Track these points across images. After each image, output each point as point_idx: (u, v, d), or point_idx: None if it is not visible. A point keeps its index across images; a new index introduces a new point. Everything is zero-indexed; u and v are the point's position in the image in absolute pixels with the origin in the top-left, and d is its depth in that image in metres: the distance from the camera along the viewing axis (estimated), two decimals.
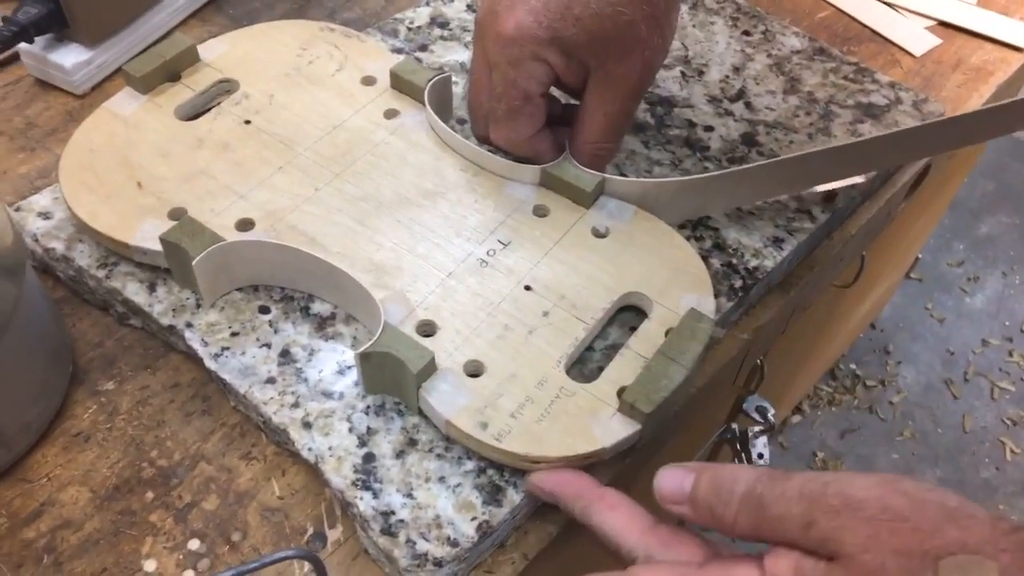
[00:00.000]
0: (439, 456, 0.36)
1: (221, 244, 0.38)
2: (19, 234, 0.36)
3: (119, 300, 0.41)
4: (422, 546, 0.33)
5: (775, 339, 0.57)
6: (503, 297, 0.39)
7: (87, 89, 0.53)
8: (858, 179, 0.48)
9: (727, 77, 0.54)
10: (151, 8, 0.55)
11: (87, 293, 0.42)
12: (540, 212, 0.43)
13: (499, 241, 0.41)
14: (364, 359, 0.36)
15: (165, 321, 0.40)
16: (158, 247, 0.39)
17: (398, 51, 0.53)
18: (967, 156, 1.04)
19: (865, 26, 0.63)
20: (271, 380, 0.38)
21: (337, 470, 0.35)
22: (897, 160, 0.50)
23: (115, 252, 0.41)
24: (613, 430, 0.35)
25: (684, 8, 0.59)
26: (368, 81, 0.48)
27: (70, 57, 0.52)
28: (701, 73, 0.54)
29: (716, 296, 0.41)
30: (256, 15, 0.59)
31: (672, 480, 0.32)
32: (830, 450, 1.34)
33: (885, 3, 0.65)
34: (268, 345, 0.39)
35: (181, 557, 0.35)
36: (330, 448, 0.36)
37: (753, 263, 0.44)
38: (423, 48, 0.54)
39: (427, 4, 0.57)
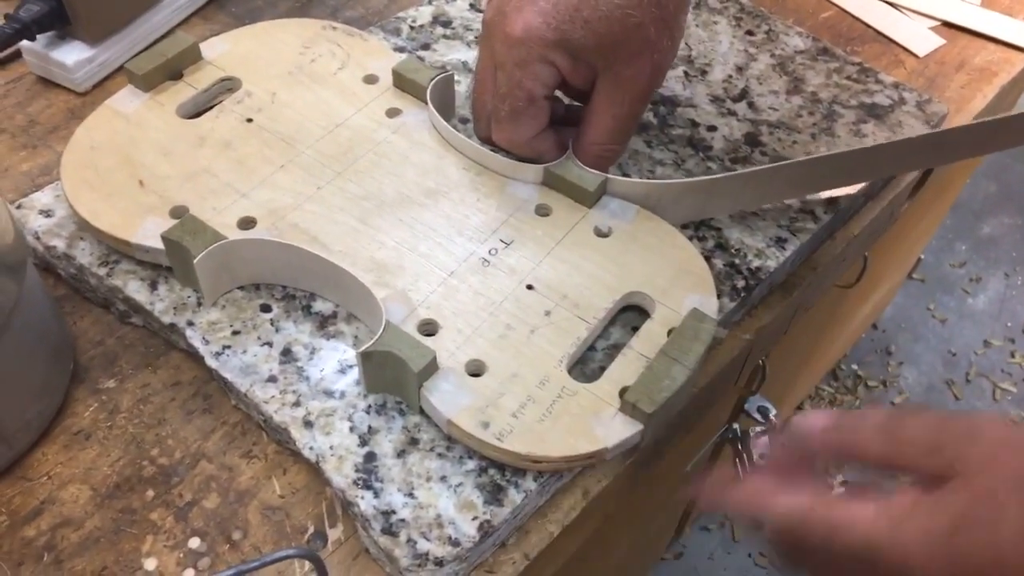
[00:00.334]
0: (440, 455, 0.36)
1: (223, 242, 0.38)
2: (20, 232, 0.36)
3: (120, 298, 0.41)
4: (423, 545, 0.33)
5: (777, 339, 0.57)
6: (505, 296, 0.39)
7: (89, 87, 0.53)
8: (860, 186, 0.48)
9: (730, 77, 0.54)
10: (153, 6, 0.55)
11: (88, 291, 0.42)
12: (542, 211, 0.43)
13: (501, 240, 0.41)
14: (365, 358, 0.36)
15: (166, 319, 0.39)
16: (160, 245, 0.39)
17: (400, 50, 0.53)
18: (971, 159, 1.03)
19: (868, 26, 0.63)
20: (272, 379, 0.38)
21: (338, 469, 0.35)
22: (904, 167, 0.50)
23: (116, 250, 0.41)
24: (615, 430, 0.35)
25: None
26: (370, 80, 0.48)
27: (72, 55, 0.52)
28: (704, 73, 0.54)
29: (718, 296, 0.41)
30: (258, 13, 0.59)
31: (808, 421, 0.32)
32: None
33: (889, 3, 0.65)
34: (269, 344, 0.39)
35: (182, 555, 0.35)
36: (331, 447, 0.36)
37: (756, 263, 0.44)
38: (425, 47, 0.54)
39: (430, 3, 0.57)
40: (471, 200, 0.43)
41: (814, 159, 0.42)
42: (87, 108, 0.51)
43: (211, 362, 0.38)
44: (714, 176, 0.42)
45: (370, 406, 0.37)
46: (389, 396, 0.38)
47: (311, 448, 0.36)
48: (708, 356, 0.42)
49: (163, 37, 0.56)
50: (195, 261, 0.38)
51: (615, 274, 0.40)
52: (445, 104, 0.48)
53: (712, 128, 0.51)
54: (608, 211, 0.43)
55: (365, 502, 0.34)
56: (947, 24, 0.64)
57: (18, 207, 0.43)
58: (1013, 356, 1.45)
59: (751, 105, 0.52)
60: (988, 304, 1.53)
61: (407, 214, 0.42)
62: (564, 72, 0.40)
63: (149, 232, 0.40)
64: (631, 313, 0.41)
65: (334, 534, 0.36)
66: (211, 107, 0.46)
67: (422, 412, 0.37)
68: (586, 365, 0.39)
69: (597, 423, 0.35)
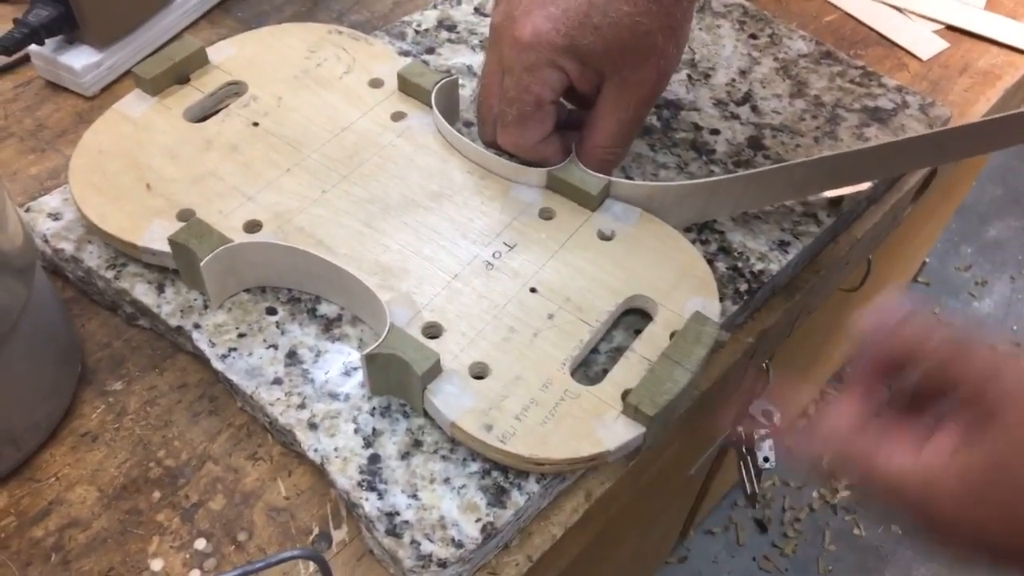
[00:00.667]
0: (444, 457, 0.36)
1: (229, 246, 0.39)
2: (29, 235, 0.36)
3: (128, 301, 0.41)
4: (426, 547, 0.33)
5: (780, 342, 0.57)
6: (508, 299, 0.39)
7: (96, 91, 0.53)
8: (864, 185, 0.48)
9: (733, 80, 0.54)
10: (160, 11, 0.56)
11: (96, 294, 0.43)
12: (546, 215, 0.43)
13: (505, 243, 0.41)
14: (370, 360, 0.36)
15: (173, 322, 0.40)
16: (167, 248, 0.39)
17: (406, 54, 0.54)
18: (974, 161, 1.03)
19: (872, 30, 0.63)
20: (278, 381, 0.38)
21: (343, 471, 0.35)
22: (906, 167, 0.50)
23: (124, 253, 0.42)
24: (617, 433, 0.35)
25: None
26: (376, 84, 0.48)
27: (80, 59, 0.52)
28: (707, 76, 0.54)
29: (721, 299, 0.41)
30: (264, 18, 0.60)
31: (877, 316, 0.33)
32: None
33: (892, 7, 0.65)
34: (275, 346, 0.39)
35: (188, 556, 0.35)
36: (336, 449, 0.36)
37: (758, 267, 0.44)
38: (430, 51, 0.54)
39: (434, 7, 0.57)
40: (475, 203, 0.43)
41: (815, 160, 0.42)
42: (95, 112, 0.51)
43: (217, 364, 0.39)
44: (716, 178, 0.43)
45: (374, 408, 0.38)
46: (393, 398, 0.38)
47: (316, 450, 0.36)
48: (711, 359, 0.42)
49: (170, 41, 0.56)
50: (201, 264, 0.38)
51: (618, 277, 0.40)
52: (450, 108, 0.48)
53: (715, 132, 0.51)
54: (611, 214, 0.43)
55: (369, 504, 0.34)
56: (951, 27, 0.64)
57: (27, 210, 0.44)
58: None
59: (754, 109, 0.52)
60: (994, 307, 1.52)
61: (411, 217, 0.42)
62: (572, 77, 0.40)
63: (156, 235, 0.40)
64: (634, 316, 0.41)
65: (339, 535, 0.36)
66: (217, 111, 0.47)
67: (426, 414, 0.37)
68: (589, 368, 0.39)
69: (599, 426, 0.35)
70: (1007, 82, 0.60)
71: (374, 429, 0.37)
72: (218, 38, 0.51)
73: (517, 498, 0.35)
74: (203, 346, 0.39)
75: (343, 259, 0.40)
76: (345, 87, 0.48)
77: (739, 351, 0.44)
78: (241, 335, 0.40)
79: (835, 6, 0.65)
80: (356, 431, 0.37)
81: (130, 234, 0.40)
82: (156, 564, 0.35)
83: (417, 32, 0.55)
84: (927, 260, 1.51)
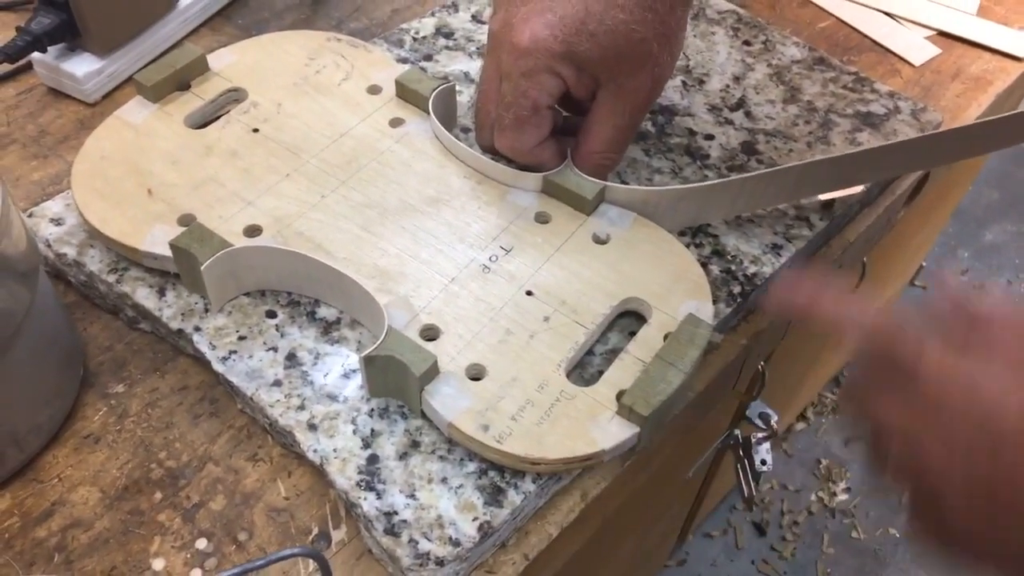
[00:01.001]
0: (441, 458, 0.37)
1: (229, 250, 0.39)
2: (33, 239, 0.37)
3: (129, 304, 0.42)
4: (424, 546, 0.34)
5: (776, 345, 0.58)
6: (505, 302, 0.40)
7: (98, 98, 0.54)
8: (856, 188, 0.49)
9: (727, 86, 0.55)
10: (161, 19, 0.56)
11: (98, 298, 0.43)
12: (542, 219, 0.44)
13: (501, 247, 0.42)
14: (368, 362, 0.37)
15: (174, 325, 0.40)
16: (168, 252, 0.40)
17: (404, 61, 0.54)
18: (969, 165, 1.04)
19: (865, 36, 0.64)
20: (277, 383, 0.39)
21: (342, 471, 0.36)
22: (897, 171, 0.50)
23: (125, 257, 0.42)
24: (612, 433, 0.36)
25: None
26: (374, 90, 0.49)
27: (82, 66, 0.53)
28: (702, 82, 0.55)
29: (715, 302, 0.42)
30: (264, 25, 0.60)
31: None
32: (835, 457, 1.34)
33: (885, 13, 0.65)
34: (275, 349, 0.40)
35: (189, 556, 0.36)
36: (335, 450, 0.37)
37: (752, 270, 0.45)
38: (428, 58, 0.55)
39: (432, 15, 0.58)
40: (472, 208, 0.44)
41: (807, 163, 0.43)
42: (96, 119, 0.52)
43: (218, 367, 0.39)
44: (710, 182, 0.43)
45: (373, 410, 0.38)
46: (391, 400, 0.38)
47: (315, 450, 0.37)
48: (705, 361, 0.43)
49: (171, 49, 0.57)
50: (202, 268, 0.39)
51: (613, 280, 0.41)
52: (447, 114, 0.49)
53: (709, 137, 0.51)
54: (606, 218, 0.44)
55: (368, 503, 0.35)
56: (943, 34, 0.64)
57: (29, 215, 0.44)
58: None
59: (748, 114, 0.53)
60: None
61: (409, 222, 0.43)
62: (569, 83, 0.41)
63: (157, 239, 0.41)
64: (629, 318, 0.42)
65: (338, 535, 0.37)
66: (218, 117, 0.47)
67: (423, 415, 0.38)
68: (584, 370, 0.40)
69: (594, 426, 0.36)
70: (998, 87, 0.61)
71: (372, 430, 0.37)
72: (219, 45, 0.51)
73: (514, 497, 0.36)
74: (204, 349, 0.40)
75: (342, 263, 0.40)
76: (344, 94, 0.48)
77: (733, 353, 0.44)
78: (241, 338, 0.40)
79: (829, 13, 0.65)
80: (355, 432, 0.37)
81: (132, 238, 0.41)
82: (158, 564, 0.36)
83: (415, 39, 0.56)
84: (924, 264, 1.52)
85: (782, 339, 0.59)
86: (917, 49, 0.63)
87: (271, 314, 0.41)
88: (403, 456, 0.37)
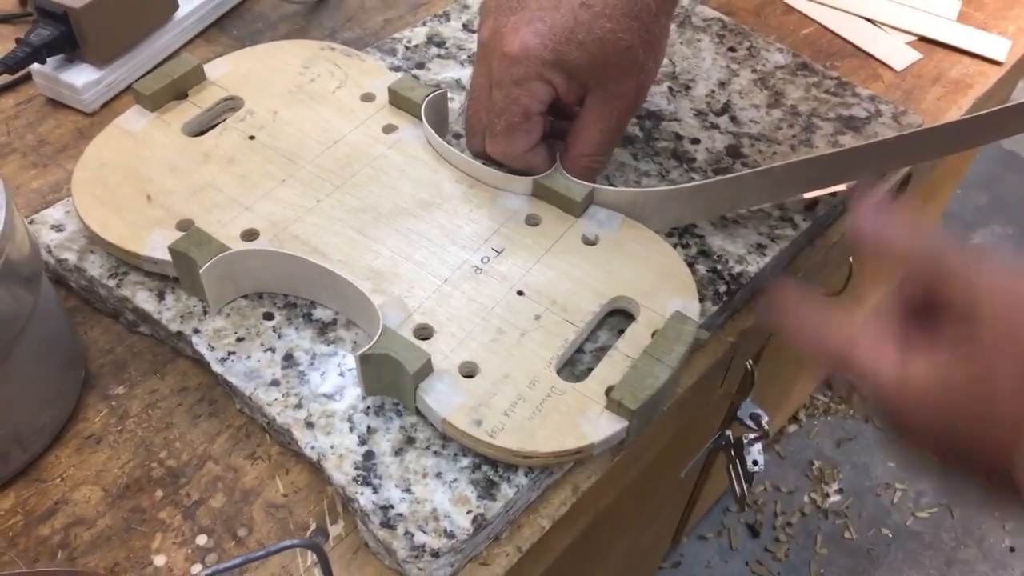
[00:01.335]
0: (436, 453, 0.38)
1: (227, 253, 0.40)
2: (35, 244, 0.38)
3: (129, 308, 0.43)
4: (420, 538, 0.35)
5: (763, 343, 0.59)
6: (497, 302, 0.41)
7: (96, 108, 0.55)
8: (839, 188, 0.50)
9: (713, 92, 0.56)
10: (158, 30, 0.58)
11: (98, 302, 0.44)
12: (532, 221, 0.45)
13: (493, 249, 0.43)
14: (364, 361, 0.38)
15: (174, 327, 0.41)
16: (167, 257, 0.41)
17: (396, 69, 0.55)
18: (955, 168, 1.06)
19: (848, 42, 0.65)
20: (275, 383, 0.40)
21: (339, 467, 0.37)
22: (877, 170, 0.52)
23: (125, 262, 0.43)
24: (601, 427, 0.37)
25: (672, 26, 0.61)
26: (367, 98, 0.50)
27: (80, 77, 0.54)
28: (688, 88, 0.56)
29: (701, 300, 0.43)
30: (259, 36, 0.61)
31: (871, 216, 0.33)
32: (827, 459, 1.35)
33: (868, 20, 0.67)
34: (272, 350, 0.41)
35: (190, 552, 0.37)
36: (332, 446, 0.38)
37: (737, 269, 0.46)
38: (420, 66, 0.56)
39: (424, 24, 0.59)
40: (464, 211, 0.45)
41: (788, 164, 0.44)
42: (95, 128, 0.53)
43: (216, 367, 0.40)
44: (695, 183, 0.44)
45: (368, 408, 0.39)
46: (387, 398, 0.39)
47: (312, 447, 0.38)
48: (692, 357, 0.44)
49: (167, 59, 0.58)
50: (201, 271, 0.40)
51: (602, 280, 0.42)
52: (439, 120, 0.50)
53: (695, 141, 0.53)
54: (595, 220, 0.45)
55: (364, 498, 0.36)
56: (924, 39, 0.66)
57: (30, 223, 0.45)
58: None
59: (733, 119, 0.54)
60: None
61: (403, 225, 0.44)
62: (559, 90, 0.42)
63: (157, 244, 0.42)
64: (618, 317, 0.43)
65: (335, 530, 0.38)
66: (215, 125, 0.48)
67: (418, 413, 0.39)
68: (575, 367, 0.41)
69: (584, 420, 0.37)
70: (978, 91, 0.62)
71: (368, 427, 0.38)
72: (214, 56, 0.53)
73: (506, 491, 0.37)
74: (203, 350, 0.41)
75: (337, 265, 0.41)
76: (338, 101, 0.50)
77: (720, 350, 0.45)
78: (239, 339, 0.41)
79: (812, 19, 0.67)
80: (351, 429, 0.38)
81: (132, 243, 0.42)
82: (159, 560, 0.36)
83: (407, 48, 0.57)
84: None
85: (769, 338, 0.60)
86: (898, 54, 0.64)
87: (268, 316, 0.42)
88: (398, 452, 0.38)
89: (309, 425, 0.38)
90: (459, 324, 0.40)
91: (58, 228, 0.45)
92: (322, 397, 0.39)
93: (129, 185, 0.44)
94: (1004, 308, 0.28)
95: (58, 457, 0.39)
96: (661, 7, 0.42)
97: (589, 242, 0.44)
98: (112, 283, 0.43)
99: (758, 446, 0.71)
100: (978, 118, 0.43)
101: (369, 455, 0.37)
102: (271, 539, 0.37)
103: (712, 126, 0.54)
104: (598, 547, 0.66)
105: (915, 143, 0.45)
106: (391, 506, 0.36)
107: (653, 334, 0.40)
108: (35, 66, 0.54)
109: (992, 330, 0.28)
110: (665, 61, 0.58)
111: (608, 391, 0.37)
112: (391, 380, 0.38)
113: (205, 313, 0.42)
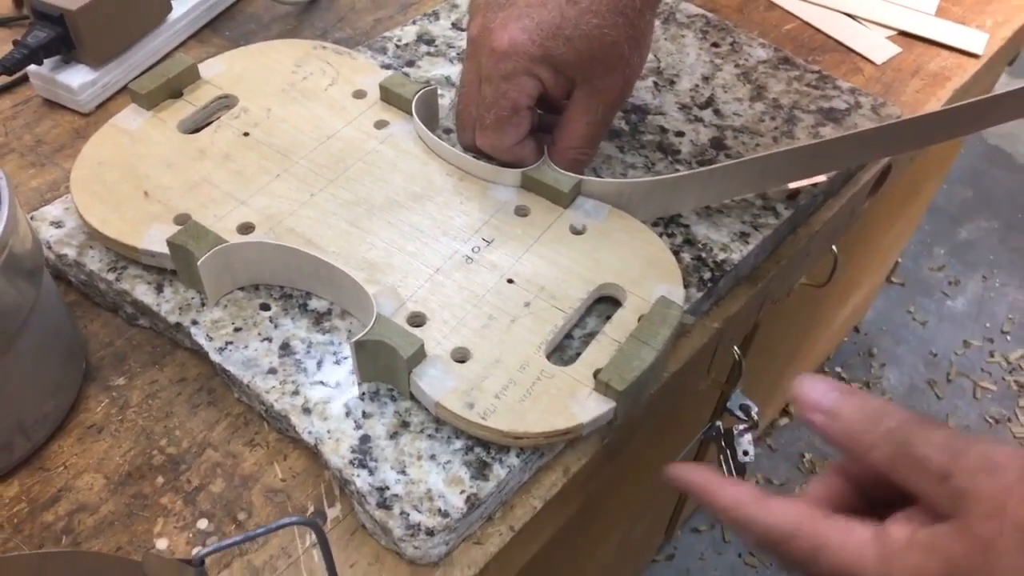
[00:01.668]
0: (430, 436, 0.39)
1: (224, 246, 0.41)
2: (37, 238, 0.39)
3: (128, 301, 0.44)
4: (415, 517, 0.36)
5: (747, 330, 0.60)
6: (487, 290, 0.42)
7: (92, 108, 0.56)
8: (820, 178, 0.51)
9: (697, 86, 0.57)
10: (152, 31, 0.59)
11: (98, 296, 0.45)
12: (521, 212, 0.46)
13: (483, 239, 0.44)
14: (359, 347, 0.39)
15: (172, 319, 0.42)
16: (165, 250, 0.42)
17: (387, 67, 0.56)
18: (939, 162, 1.07)
19: (829, 37, 0.67)
20: (272, 371, 0.41)
21: (335, 451, 0.38)
22: (856, 160, 0.53)
23: (124, 256, 0.44)
24: (589, 408, 0.38)
25: (657, 22, 0.62)
26: (359, 95, 0.51)
27: (77, 78, 0.55)
28: (672, 83, 0.58)
29: (687, 287, 0.44)
30: (252, 36, 0.63)
31: (815, 390, 0.31)
32: (818, 451, 1.37)
33: (848, 15, 0.68)
34: (269, 339, 0.42)
35: (191, 535, 0.38)
36: (329, 431, 0.39)
37: (721, 256, 0.47)
38: (410, 64, 0.57)
39: (414, 23, 0.60)
40: (455, 203, 0.46)
41: (770, 155, 0.45)
42: (91, 128, 0.54)
43: (215, 357, 0.41)
44: (680, 173, 0.46)
45: (364, 393, 0.40)
46: (381, 384, 0.41)
47: (310, 432, 0.39)
48: (678, 343, 0.45)
49: (162, 60, 0.59)
50: (199, 263, 0.41)
51: (589, 267, 0.43)
52: (430, 116, 0.51)
53: (680, 134, 0.54)
54: (583, 211, 0.46)
55: (361, 479, 0.37)
56: (903, 33, 0.67)
57: (31, 219, 0.46)
58: (992, 356, 1.48)
59: (717, 112, 0.56)
60: (967, 306, 1.56)
61: (395, 217, 0.45)
62: (547, 84, 0.44)
63: (155, 238, 0.43)
64: (605, 304, 0.44)
65: (332, 513, 0.39)
66: (210, 123, 0.49)
67: (412, 397, 0.40)
68: (564, 351, 0.42)
69: (573, 402, 0.38)
70: (956, 83, 0.64)
71: (364, 412, 0.39)
72: (207, 56, 0.54)
73: (499, 471, 0.38)
74: (201, 341, 0.42)
75: (332, 256, 0.42)
76: (330, 98, 0.51)
77: (706, 336, 0.47)
78: (237, 329, 0.42)
79: (794, 15, 0.68)
80: (347, 414, 0.39)
81: (130, 238, 0.43)
82: (161, 543, 0.37)
83: (398, 46, 0.58)
84: (900, 260, 1.55)
85: (755, 328, 0.61)
86: (878, 48, 0.66)
87: (265, 307, 0.43)
88: (393, 435, 0.39)
89: (306, 411, 0.39)
90: (451, 312, 0.41)
91: (57, 224, 0.46)
92: (319, 384, 0.40)
93: (127, 182, 0.45)
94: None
95: (61, 446, 0.40)
96: (646, 3, 0.43)
97: (577, 232, 0.45)
98: (111, 277, 0.44)
99: (748, 436, 0.72)
100: (954, 109, 0.45)
101: (365, 439, 0.39)
102: (270, 522, 0.38)
103: (696, 119, 0.55)
104: (590, 536, 0.68)
105: (894, 134, 0.47)
106: (387, 487, 0.37)
107: (639, 319, 0.41)
108: (32, 67, 0.55)
109: (995, 522, 0.25)
110: (650, 56, 0.59)
111: (596, 373, 0.39)
112: (385, 366, 0.39)
113: (203, 305, 0.43)
